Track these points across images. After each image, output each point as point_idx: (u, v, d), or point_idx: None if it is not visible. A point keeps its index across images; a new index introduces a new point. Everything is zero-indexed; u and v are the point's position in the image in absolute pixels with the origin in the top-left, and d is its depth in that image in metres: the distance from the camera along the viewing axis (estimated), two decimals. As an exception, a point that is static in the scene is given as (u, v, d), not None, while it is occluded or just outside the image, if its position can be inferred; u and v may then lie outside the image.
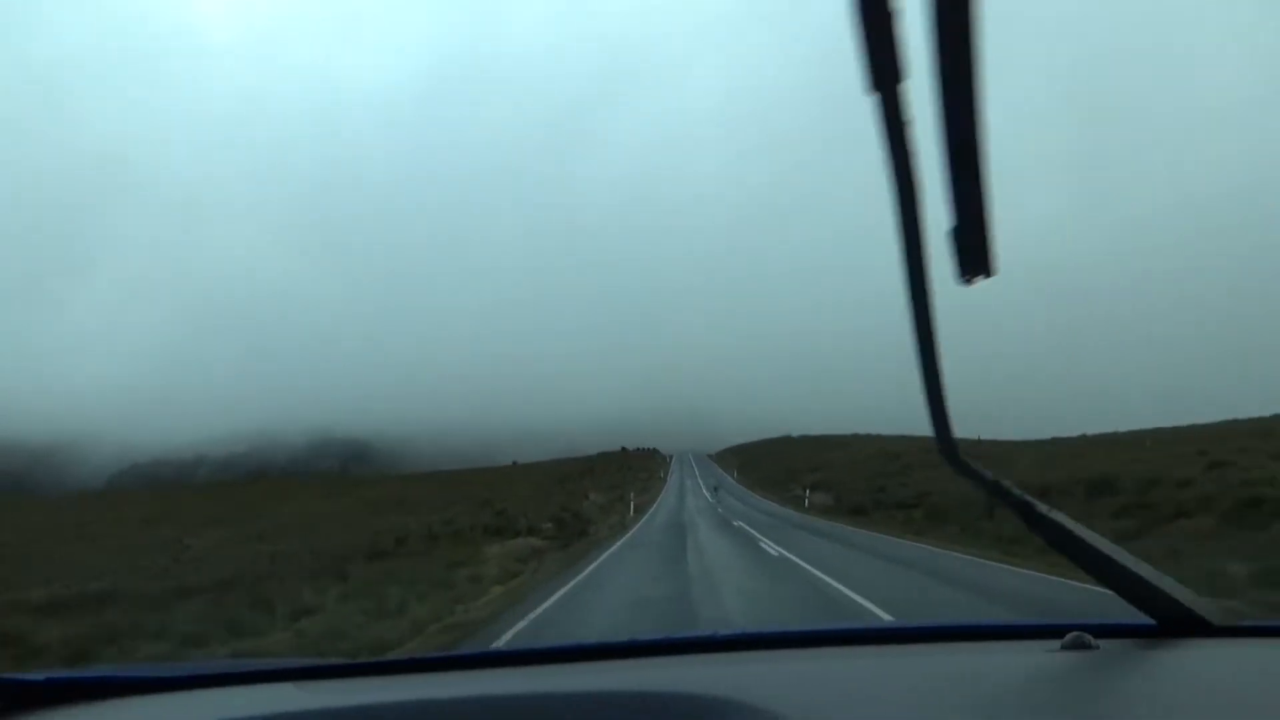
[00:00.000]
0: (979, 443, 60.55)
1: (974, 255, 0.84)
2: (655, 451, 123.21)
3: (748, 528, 27.35)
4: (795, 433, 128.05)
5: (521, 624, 9.84)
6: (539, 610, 10.96)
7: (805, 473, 70.63)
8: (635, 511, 38.98)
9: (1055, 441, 55.16)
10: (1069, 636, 1.33)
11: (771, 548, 19.32)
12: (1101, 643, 1.32)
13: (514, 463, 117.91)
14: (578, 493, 52.96)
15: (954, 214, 0.83)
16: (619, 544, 23.18)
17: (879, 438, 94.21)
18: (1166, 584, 1.34)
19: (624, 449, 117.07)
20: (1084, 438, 57.81)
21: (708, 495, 57.23)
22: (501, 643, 8.61)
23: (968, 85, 0.76)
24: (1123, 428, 60.32)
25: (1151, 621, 1.37)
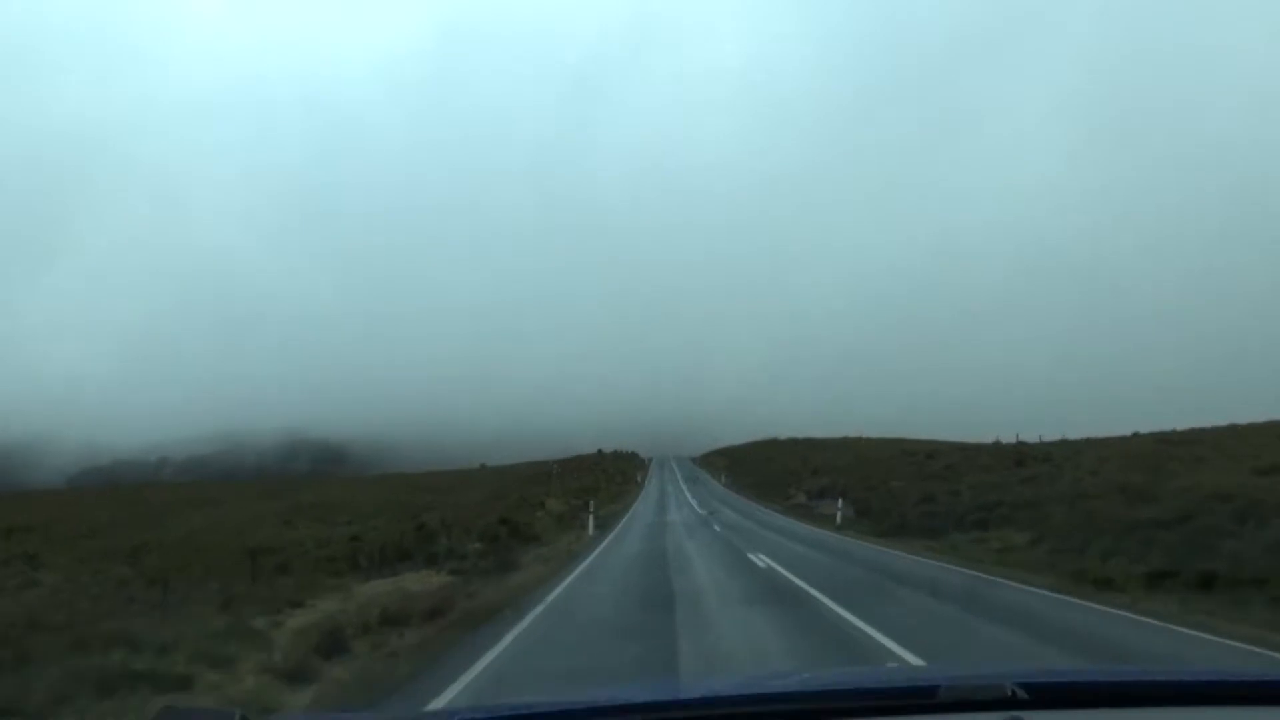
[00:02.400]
0: (1021, 443, 51.43)
1: None
2: (634, 455, 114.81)
3: (784, 571, 16.05)
4: (781, 435, 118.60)
5: None
6: None
7: (806, 476, 61.61)
8: (597, 529, 28.77)
9: (1118, 440, 45.91)
10: None
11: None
12: None
13: (482, 465, 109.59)
14: (534, 499, 43.46)
15: None
16: (550, 600, 13.55)
17: (869, 440, 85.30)
18: None
19: (600, 451, 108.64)
20: (1139, 435, 48.76)
21: (695, 505, 47.49)
22: None
23: None
24: (1168, 427, 51.36)
25: None
